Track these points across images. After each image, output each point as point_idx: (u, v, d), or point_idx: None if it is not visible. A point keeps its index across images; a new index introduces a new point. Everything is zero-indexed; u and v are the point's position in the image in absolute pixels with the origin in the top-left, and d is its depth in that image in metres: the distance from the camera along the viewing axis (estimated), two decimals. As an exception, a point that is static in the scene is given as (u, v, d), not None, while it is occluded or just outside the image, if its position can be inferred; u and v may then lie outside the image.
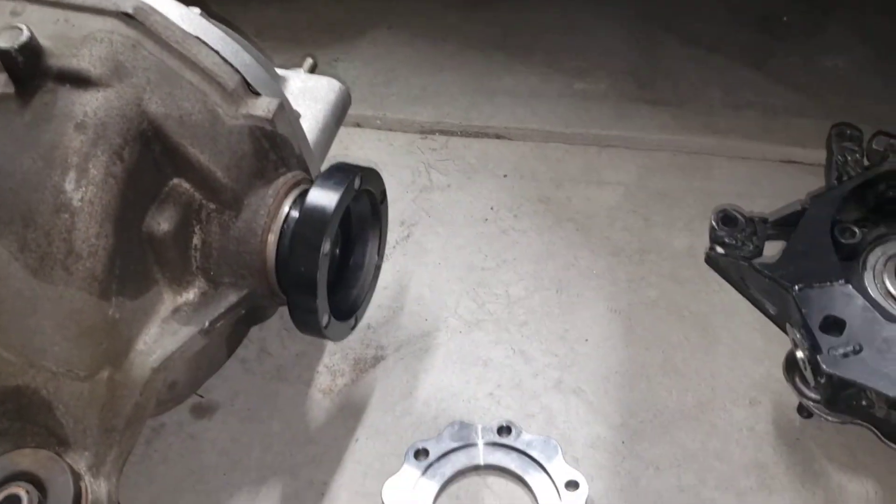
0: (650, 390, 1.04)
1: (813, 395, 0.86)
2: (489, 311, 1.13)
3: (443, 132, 1.41)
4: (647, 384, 1.05)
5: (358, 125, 1.42)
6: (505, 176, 1.32)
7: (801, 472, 0.95)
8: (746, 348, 1.07)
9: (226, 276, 0.84)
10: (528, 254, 1.21)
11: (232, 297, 0.84)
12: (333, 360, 1.08)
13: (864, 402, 0.78)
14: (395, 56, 1.56)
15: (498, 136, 1.40)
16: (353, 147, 1.37)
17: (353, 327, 0.94)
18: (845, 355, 0.75)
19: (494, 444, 0.97)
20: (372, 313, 1.10)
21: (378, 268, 0.97)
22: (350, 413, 1.02)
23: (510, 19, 1.64)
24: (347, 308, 0.93)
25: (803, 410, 0.94)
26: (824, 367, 0.75)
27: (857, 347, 0.75)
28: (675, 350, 1.08)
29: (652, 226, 1.24)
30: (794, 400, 0.95)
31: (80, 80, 0.75)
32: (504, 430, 0.98)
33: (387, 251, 1.18)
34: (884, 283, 0.89)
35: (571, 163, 1.35)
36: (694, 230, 1.21)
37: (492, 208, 1.27)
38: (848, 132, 1.02)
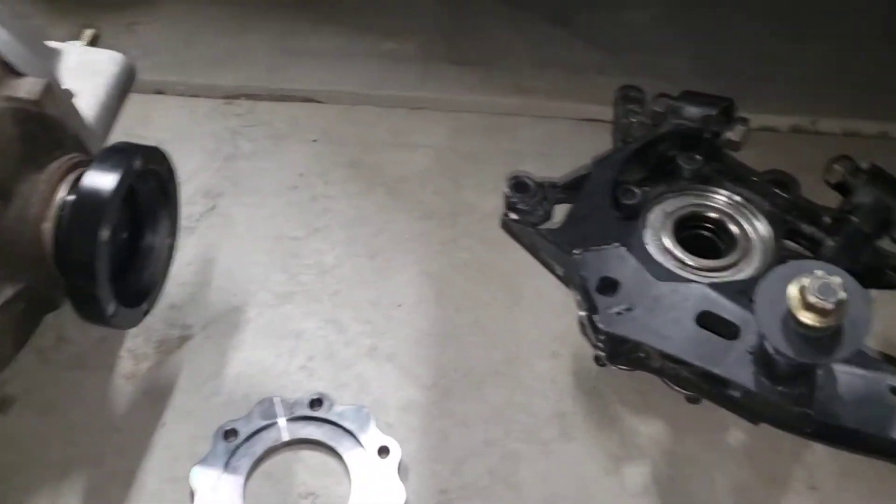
0: (460, 350, 1.07)
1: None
2: (300, 281, 1.12)
3: (249, 97, 1.36)
4: (458, 344, 1.07)
5: (159, 92, 1.35)
6: (314, 141, 1.31)
7: (598, 419, 1.01)
8: (548, 304, 1.11)
9: (0, 269, 0.79)
10: (340, 221, 1.20)
11: (8, 291, 0.79)
12: (136, 343, 1.04)
13: (641, 355, 0.83)
14: (197, 17, 1.49)
15: (306, 100, 1.37)
16: (154, 115, 1.31)
17: (147, 312, 0.91)
18: (619, 314, 0.79)
19: (307, 418, 0.97)
20: (175, 291, 1.07)
21: (171, 248, 0.94)
22: (156, 397, 1.00)
23: (316, -25, 1.60)
24: (139, 293, 0.90)
25: (598, 360, 0.99)
26: (600, 325, 0.79)
27: (630, 306, 0.80)
28: (483, 309, 1.11)
29: (462, 188, 1.26)
30: (591, 350, 1.00)
31: None
32: (316, 402, 0.98)
33: (191, 224, 1.16)
34: (661, 240, 0.94)
35: (381, 126, 1.34)
36: (501, 192, 1.23)
37: (301, 175, 1.25)
38: (632, 94, 1.07)
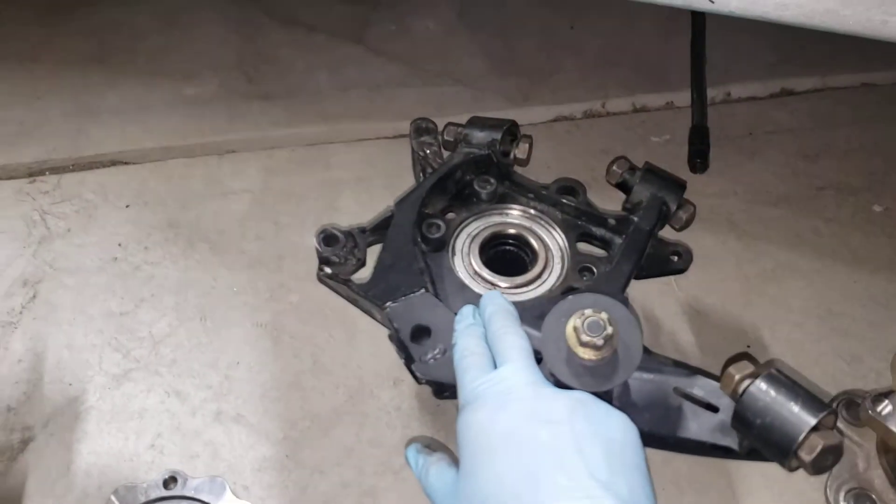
0: (304, 397, 1.10)
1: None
2: (135, 357, 1.13)
3: (53, 170, 1.33)
4: (301, 392, 1.11)
5: (-45, 181, 1.30)
6: (127, 206, 1.29)
7: (445, 436, 1.07)
8: (384, 333, 1.14)
9: None
10: (166, 286, 1.20)
11: None
12: (-24, 457, 1.03)
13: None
14: (-18, 91, 1.44)
15: (113, 163, 1.35)
16: (-47, 207, 1.27)
17: (-22, 438, 0.90)
18: (435, 359, 0.85)
19: (163, 500, 0.98)
20: (10, 393, 1.06)
21: (-9, 367, 0.93)
22: (8, 508, 0.99)
23: (103, 26, 1.56)
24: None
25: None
26: (419, 374, 0.85)
27: (444, 349, 0.85)
28: (322, 350, 1.15)
29: (283, 228, 1.28)
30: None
31: None
32: (170, 481, 1.00)
33: (13, 318, 1.14)
34: (471, 263, 1.00)
35: (194, 177, 1.34)
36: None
37: (120, 245, 1.24)
38: (424, 125, 1.12)
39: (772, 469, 1.02)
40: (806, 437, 0.66)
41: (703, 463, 1.03)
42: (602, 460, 0.64)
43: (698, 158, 1.33)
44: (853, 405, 1.03)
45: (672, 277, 1.23)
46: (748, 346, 1.16)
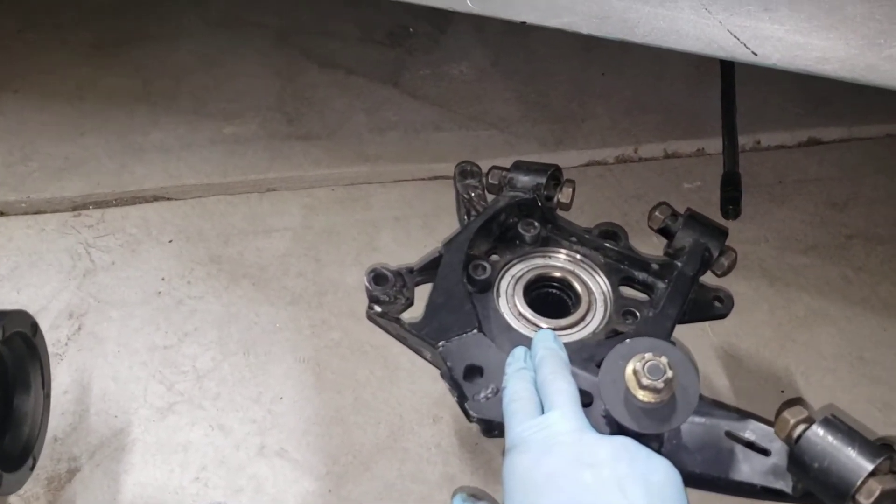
0: (346, 433, 1.12)
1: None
2: (179, 391, 1.14)
3: (97, 204, 1.36)
4: (343, 427, 1.12)
5: (1, 213, 1.33)
6: (170, 241, 1.32)
7: (483, 475, 1.09)
8: (423, 371, 1.17)
9: None
10: (209, 320, 1.22)
11: None
12: (24, 486, 1.04)
13: (512, 427, 0.91)
14: (29, 125, 1.47)
15: (156, 199, 1.38)
16: (-1, 240, 1.29)
17: (33, 467, 0.91)
18: (487, 398, 0.87)
19: (208, 531, 1.00)
20: (56, 423, 1.07)
21: (47, 397, 0.95)
22: (54, 540, 1.00)
23: (147, 65, 1.60)
24: (21, 450, 0.90)
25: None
26: (471, 412, 0.86)
27: (496, 389, 0.87)
28: (363, 387, 1.17)
29: (324, 266, 1.30)
30: (469, 412, 1.07)
31: None
32: (215, 513, 1.01)
33: (59, 350, 1.16)
34: (515, 305, 1.02)
35: (236, 214, 1.37)
36: (362, 263, 1.29)
37: (163, 279, 1.27)
38: (468, 169, 1.14)
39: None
40: (864, 482, 0.67)
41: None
42: (643, 498, 0.66)
43: (731, 205, 1.36)
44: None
45: (706, 323, 1.25)
46: (782, 391, 1.18)
